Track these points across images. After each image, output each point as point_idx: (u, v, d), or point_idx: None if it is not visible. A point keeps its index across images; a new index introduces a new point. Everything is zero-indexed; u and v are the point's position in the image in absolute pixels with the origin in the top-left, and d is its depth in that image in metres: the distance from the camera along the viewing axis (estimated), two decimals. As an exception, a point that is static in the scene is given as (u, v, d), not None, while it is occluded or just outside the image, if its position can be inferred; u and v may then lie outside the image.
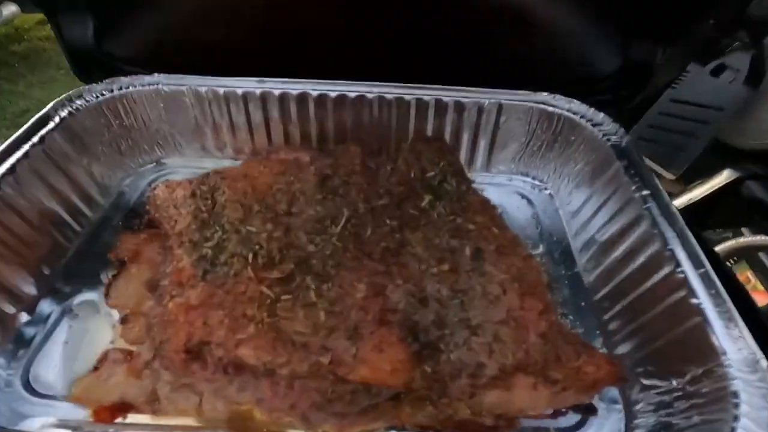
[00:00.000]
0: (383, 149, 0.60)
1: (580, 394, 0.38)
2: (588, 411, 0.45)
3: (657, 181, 0.51)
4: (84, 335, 0.50)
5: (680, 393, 0.39)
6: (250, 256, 0.38)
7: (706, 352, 0.38)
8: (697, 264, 0.42)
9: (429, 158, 0.50)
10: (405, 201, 0.45)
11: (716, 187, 0.76)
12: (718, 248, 0.98)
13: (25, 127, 0.56)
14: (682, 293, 0.42)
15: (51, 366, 0.48)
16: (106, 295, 0.53)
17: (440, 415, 0.42)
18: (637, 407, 0.44)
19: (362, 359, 0.35)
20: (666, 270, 0.44)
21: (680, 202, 0.88)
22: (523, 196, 0.68)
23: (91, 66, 0.75)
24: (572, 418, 0.44)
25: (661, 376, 0.42)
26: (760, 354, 0.36)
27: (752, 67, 1.31)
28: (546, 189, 0.68)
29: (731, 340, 0.37)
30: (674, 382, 0.40)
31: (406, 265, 0.40)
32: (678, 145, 1.56)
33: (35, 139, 0.54)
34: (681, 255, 0.43)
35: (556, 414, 0.44)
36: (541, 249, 0.61)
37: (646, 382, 0.44)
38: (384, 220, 0.43)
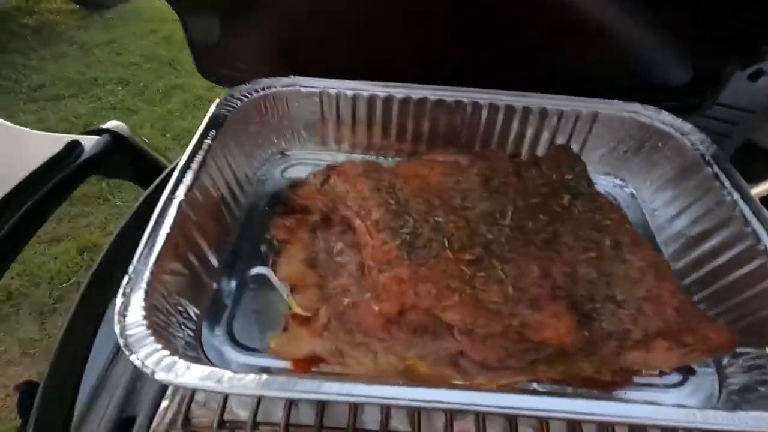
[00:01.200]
0: (520, 153, 0.70)
1: (706, 354, 0.49)
2: (688, 372, 0.57)
3: (747, 186, 0.62)
4: (265, 304, 0.61)
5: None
6: (445, 241, 0.49)
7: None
8: (786, 256, 0.54)
9: (565, 164, 0.60)
10: (550, 199, 0.55)
11: (770, 191, 0.87)
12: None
13: (203, 125, 0.65)
14: (773, 280, 0.53)
15: (245, 328, 0.58)
16: (274, 269, 0.64)
17: (568, 371, 0.54)
18: (729, 370, 0.55)
19: (544, 323, 0.46)
20: (759, 261, 0.55)
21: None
22: (607, 193, 0.79)
23: (214, 64, 0.83)
24: (675, 378, 0.56)
25: (751, 345, 0.54)
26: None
27: None
28: (627, 188, 0.79)
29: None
30: (764, 348, 0.52)
31: (561, 252, 0.51)
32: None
33: (212, 134, 0.63)
34: (773, 249, 0.55)
35: (662, 374, 0.56)
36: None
37: (738, 350, 0.55)
38: (537, 214, 0.54)
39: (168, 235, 0.51)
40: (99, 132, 0.79)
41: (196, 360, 0.45)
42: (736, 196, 0.61)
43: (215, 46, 0.82)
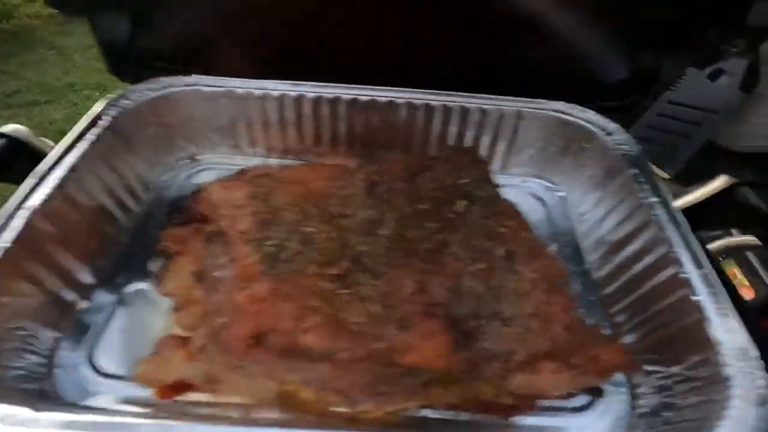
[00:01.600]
0: (419, 156, 0.65)
1: (596, 377, 0.44)
2: (596, 393, 0.52)
3: (666, 190, 0.57)
4: (139, 322, 0.56)
5: (680, 378, 0.46)
6: (312, 254, 0.44)
7: (703, 343, 0.44)
8: (699, 265, 0.49)
9: (463, 167, 0.55)
10: (443, 205, 0.50)
11: (712, 192, 0.83)
12: (710, 246, 1.05)
13: (79, 125, 0.60)
14: (685, 291, 0.48)
15: (112, 351, 0.53)
16: (158, 284, 0.58)
17: (466, 396, 0.48)
18: (640, 390, 0.50)
19: (412, 346, 0.40)
20: (671, 271, 0.50)
21: (678, 204, 0.95)
22: (537, 197, 0.74)
23: (125, 64, 0.78)
24: (582, 399, 0.51)
25: (662, 363, 0.49)
26: (750, 345, 0.43)
27: (748, 72, 1.39)
28: (559, 191, 0.74)
29: (726, 332, 0.44)
30: (675, 368, 0.47)
31: (446, 263, 0.46)
32: (674, 145, 1.65)
33: (90, 137, 0.58)
34: (685, 258, 0.50)
35: (569, 396, 0.51)
36: (553, 247, 0.67)
37: (649, 368, 0.50)
38: (425, 223, 0.48)
39: (9, 250, 0.45)
40: (-4, 136, 0.73)
41: (32, 393, 0.40)
42: (654, 199, 0.56)
43: (127, 45, 0.77)
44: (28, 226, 0.48)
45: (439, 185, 0.52)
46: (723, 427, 0.38)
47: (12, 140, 0.74)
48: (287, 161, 0.75)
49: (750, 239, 1.07)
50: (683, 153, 1.66)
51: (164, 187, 0.71)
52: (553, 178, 0.75)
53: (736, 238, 1.07)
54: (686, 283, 0.48)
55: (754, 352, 0.42)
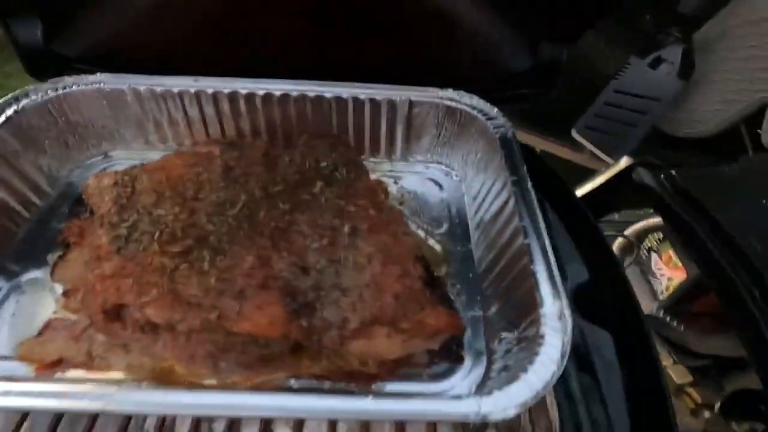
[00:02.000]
0: (288, 143, 0.68)
1: (426, 341, 0.47)
2: (457, 360, 0.55)
3: (524, 167, 0.60)
4: (30, 307, 0.59)
5: (516, 340, 0.49)
6: (157, 233, 0.47)
7: (533, 307, 0.47)
8: (538, 235, 0.52)
9: (322, 150, 0.58)
10: (299, 188, 0.54)
11: (613, 174, 0.85)
12: (628, 231, 1.08)
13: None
14: (526, 260, 0.51)
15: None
16: (52, 272, 0.62)
17: (332, 366, 0.51)
18: (495, 356, 0.53)
19: (244, 315, 0.43)
20: (520, 241, 0.53)
21: (587, 187, 0.97)
22: (436, 182, 0.77)
23: (42, 65, 0.81)
24: (443, 367, 0.54)
25: (509, 329, 0.52)
26: (567, 308, 0.45)
27: (684, 60, 1.42)
28: (456, 176, 0.77)
29: (550, 297, 0.47)
30: (515, 332, 0.50)
31: (293, 241, 0.49)
32: (620, 133, 1.68)
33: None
34: (529, 228, 0.53)
35: (430, 363, 0.54)
36: (444, 228, 0.70)
37: (502, 335, 0.53)
38: (278, 204, 0.52)
39: None
40: None
41: None
42: (515, 178, 0.59)
43: (43, 47, 0.80)
44: None
45: (297, 169, 0.56)
46: (529, 373, 0.41)
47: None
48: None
49: (658, 220, 1.10)
50: (630, 140, 1.69)
51: (73, 182, 0.74)
52: (448, 162, 0.78)
53: (649, 220, 1.10)
54: (526, 251, 0.51)
55: (568, 313, 0.45)
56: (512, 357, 0.48)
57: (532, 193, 0.57)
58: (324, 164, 0.56)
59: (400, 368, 0.52)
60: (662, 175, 0.76)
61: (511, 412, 0.38)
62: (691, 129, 1.58)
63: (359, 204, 0.52)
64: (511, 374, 0.42)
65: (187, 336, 0.44)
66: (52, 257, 0.64)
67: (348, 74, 0.75)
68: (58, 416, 0.52)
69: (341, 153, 0.59)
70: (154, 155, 0.79)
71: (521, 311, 0.50)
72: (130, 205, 0.50)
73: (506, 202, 0.59)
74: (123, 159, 0.79)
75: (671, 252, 1.22)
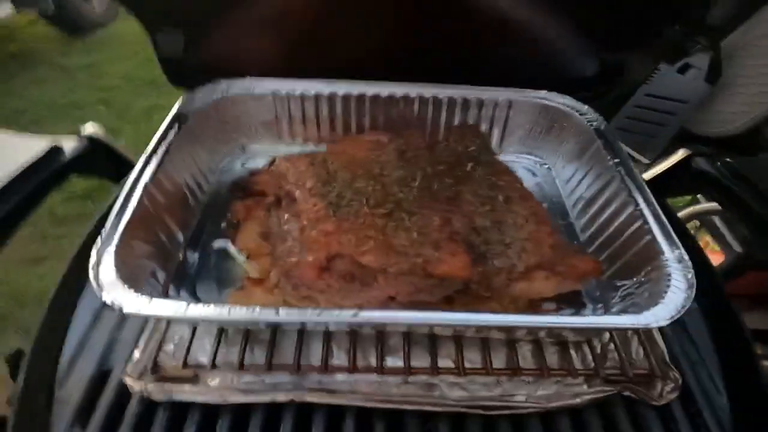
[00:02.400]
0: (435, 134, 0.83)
1: (575, 282, 0.61)
2: (581, 306, 0.69)
3: (625, 152, 0.75)
4: (224, 270, 0.72)
5: (637, 284, 0.63)
6: (364, 200, 0.60)
7: (653, 257, 0.62)
8: (650, 205, 0.66)
9: (469, 138, 0.73)
10: (456, 166, 0.68)
11: (673, 163, 1.00)
12: (680, 214, 1.24)
13: (166, 121, 0.77)
14: (639, 223, 0.65)
15: (207, 289, 0.69)
16: (233, 242, 0.75)
17: (494, 305, 0.65)
18: (612, 301, 0.67)
19: (442, 260, 0.57)
20: (629, 209, 0.68)
21: (646, 175, 1.13)
22: (528, 170, 0.91)
23: (181, 73, 0.95)
24: (569, 311, 0.68)
25: (626, 278, 0.66)
26: (685, 254, 0.60)
27: (711, 66, 1.62)
28: (546, 164, 0.92)
29: (669, 247, 0.61)
30: (635, 278, 0.64)
31: (461, 206, 0.63)
32: (651, 134, 1.88)
33: (172, 132, 0.75)
34: (639, 199, 0.67)
35: (558, 309, 0.68)
36: (544, 206, 0.84)
37: (617, 283, 0.67)
38: (444, 178, 0.66)
39: (134, 210, 0.62)
40: (77, 136, 0.90)
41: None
42: (616, 160, 0.74)
43: (181, 58, 0.94)
44: (146, 193, 0.64)
45: (451, 152, 0.70)
46: (662, 304, 0.55)
47: (92, 141, 0.90)
48: (320, 149, 0.92)
49: (712, 205, 1.26)
50: (660, 140, 1.89)
51: (225, 170, 0.88)
52: (539, 154, 0.92)
53: (702, 205, 1.26)
54: (640, 216, 0.66)
55: (687, 257, 0.59)
56: (636, 297, 0.62)
57: (636, 171, 0.71)
58: (471, 149, 0.71)
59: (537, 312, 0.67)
60: (718, 163, 0.91)
61: (665, 322, 0.52)
62: (717, 128, 1.77)
63: (505, 179, 0.66)
64: (650, 300, 0.56)
65: (394, 277, 0.58)
66: (226, 230, 0.78)
67: (431, 76, 0.89)
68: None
69: (483, 140, 0.74)
70: (283, 148, 0.93)
71: (638, 264, 0.64)
72: (333, 180, 0.64)
73: (609, 182, 0.73)
74: (258, 151, 0.93)
75: (708, 238, 1.38)
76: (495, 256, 0.60)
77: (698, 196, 1.34)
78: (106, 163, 0.91)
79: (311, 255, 0.59)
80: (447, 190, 0.64)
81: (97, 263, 0.55)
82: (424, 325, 0.56)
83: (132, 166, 0.91)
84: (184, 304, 0.52)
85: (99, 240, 0.57)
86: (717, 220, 1.31)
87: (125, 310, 0.51)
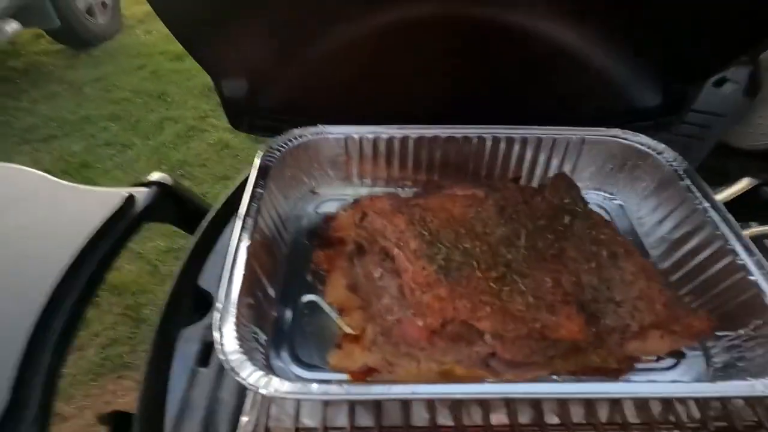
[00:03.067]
0: (520, 177, 0.83)
1: (690, 339, 0.61)
2: (680, 356, 0.69)
3: (713, 194, 0.75)
4: (318, 326, 0.72)
5: (746, 337, 0.64)
6: (474, 263, 0.61)
7: (762, 310, 0.62)
8: (751, 253, 0.67)
9: (564, 189, 0.73)
10: (554, 221, 0.68)
11: (739, 192, 1.01)
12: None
13: (253, 175, 0.77)
14: (741, 274, 0.66)
15: (305, 349, 0.69)
16: (322, 297, 0.75)
17: (581, 363, 0.66)
18: (713, 351, 0.68)
19: (560, 324, 0.58)
20: (729, 259, 0.68)
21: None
22: (598, 206, 0.92)
23: (243, 116, 0.95)
24: (669, 362, 0.69)
25: (729, 329, 0.67)
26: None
27: (751, 79, 1.62)
28: (616, 200, 0.93)
29: (777, 301, 0.62)
30: (741, 331, 0.65)
31: (567, 264, 0.64)
32: (688, 147, 1.88)
33: (261, 183, 0.75)
34: (739, 248, 0.68)
35: (659, 359, 0.69)
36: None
37: (719, 333, 0.68)
38: (545, 234, 0.66)
39: (243, 275, 0.62)
40: (146, 184, 0.90)
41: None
42: (707, 204, 0.74)
43: (244, 101, 0.94)
44: (249, 255, 0.64)
45: (548, 205, 0.70)
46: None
47: (162, 187, 0.90)
48: (388, 189, 0.93)
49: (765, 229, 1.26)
50: (697, 153, 1.89)
51: (298, 217, 0.88)
52: (610, 190, 0.93)
53: (758, 228, 1.27)
54: (742, 267, 0.66)
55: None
56: (746, 351, 0.63)
57: (731, 217, 0.72)
58: (567, 201, 0.71)
59: (635, 364, 0.67)
60: (787, 191, 0.92)
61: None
62: (755, 142, 1.78)
63: (606, 233, 0.67)
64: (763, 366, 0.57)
65: (512, 341, 0.58)
66: (312, 282, 0.78)
67: (488, 116, 0.90)
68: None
69: (577, 191, 0.74)
70: (351, 190, 0.93)
71: (741, 316, 0.65)
72: (436, 240, 0.64)
73: (700, 226, 0.74)
74: (328, 195, 0.93)
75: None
76: (606, 315, 0.60)
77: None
78: (176, 209, 0.91)
79: (425, 319, 0.60)
80: (551, 248, 0.64)
81: (220, 338, 0.55)
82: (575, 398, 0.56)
83: (201, 212, 0.91)
84: (310, 385, 0.52)
85: (217, 314, 0.58)
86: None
87: (263, 392, 0.51)
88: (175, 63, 3.99)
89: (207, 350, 0.73)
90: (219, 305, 0.58)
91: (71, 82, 4.06)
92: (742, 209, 1.02)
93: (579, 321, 0.58)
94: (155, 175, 0.92)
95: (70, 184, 0.92)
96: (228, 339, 0.55)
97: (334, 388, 0.52)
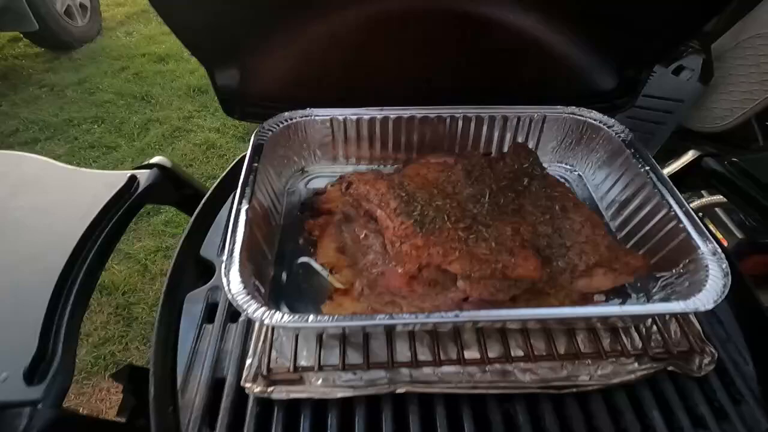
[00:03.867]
0: (490, 152, 0.94)
1: (629, 276, 0.73)
2: (625, 296, 0.81)
3: (651, 158, 0.88)
4: (311, 284, 0.82)
5: (677, 275, 0.76)
6: (445, 217, 0.72)
7: (690, 251, 0.74)
8: (681, 205, 0.79)
9: (523, 156, 0.84)
10: (514, 182, 0.79)
11: (684, 163, 1.14)
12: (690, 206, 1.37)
13: (249, 152, 0.86)
14: (674, 222, 0.78)
15: (301, 302, 0.79)
16: (314, 258, 0.85)
17: (541, 305, 0.77)
18: (653, 291, 0.80)
19: (518, 265, 0.69)
20: (664, 212, 0.80)
21: (662, 174, 1.26)
22: (561, 177, 1.04)
23: (235, 104, 1.04)
24: (617, 302, 0.80)
25: (666, 270, 0.79)
26: (718, 248, 0.72)
27: (704, 67, 1.78)
28: (575, 171, 1.05)
29: (704, 243, 0.74)
30: (674, 270, 0.77)
31: (525, 217, 0.75)
32: (650, 131, 2.05)
33: (256, 158, 0.85)
34: (672, 202, 0.80)
35: (608, 299, 0.80)
36: (580, 211, 0.96)
37: (657, 275, 0.80)
38: (507, 193, 0.77)
39: (244, 233, 0.72)
40: (147, 166, 0.99)
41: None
42: (647, 167, 0.86)
43: (237, 89, 1.03)
44: (247, 219, 0.74)
45: (509, 169, 0.82)
46: (705, 290, 0.67)
47: (161, 168, 0.99)
48: (372, 167, 1.03)
49: (718, 198, 1.41)
50: (659, 136, 2.06)
51: (290, 192, 0.98)
52: (570, 162, 1.05)
53: (708, 198, 1.41)
54: (675, 218, 0.78)
55: (721, 251, 0.72)
56: (677, 286, 0.75)
57: (666, 176, 0.84)
58: (526, 165, 0.82)
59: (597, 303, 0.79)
60: (726, 162, 1.05)
61: (711, 305, 0.64)
62: (711, 125, 1.94)
63: (558, 191, 0.78)
64: (692, 288, 0.69)
65: (477, 281, 0.69)
66: (304, 247, 0.88)
67: (462, 97, 1.01)
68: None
69: (534, 158, 0.86)
70: (338, 168, 1.04)
71: (675, 258, 0.77)
72: (413, 200, 0.75)
73: (642, 187, 0.86)
74: (316, 172, 1.03)
75: (712, 227, 1.52)
76: (559, 257, 0.72)
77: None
78: (176, 190, 1.00)
79: (403, 266, 0.70)
80: (511, 204, 0.76)
81: (228, 284, 0.65)
82: (521, 320, 0.67)
83: (200, 194, 1.00)
84: (308, 316, 0.62)
85: (223, 265, 0.67)
86: (720, 211, 1.46)
87: (276, 326, 0.61)
88: (158, 65, 4.04)
89: (212, 309, 0.83)
90: (224, 257, 0.68)
91: (52, 85, 4.07)
92: (690, 180, 1.15)
93: (534, 262, 0.69)
94: (155, 158, 1.00)
95: (76, 168, 1.00)
96: (234, 283, 0.65)
97: (327, 319, 0.62)
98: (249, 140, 0.92)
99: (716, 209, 1.38)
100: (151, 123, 3.56)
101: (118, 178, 0.95)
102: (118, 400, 2.08)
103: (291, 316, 0.62)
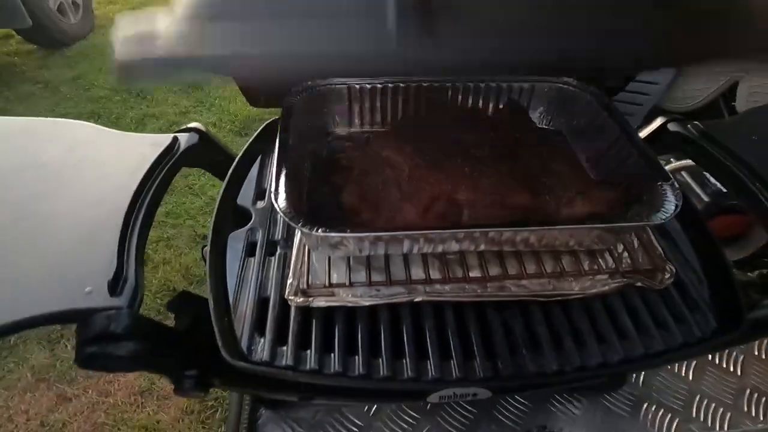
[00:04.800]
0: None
1: (604, 205, 0.91)
2: (602, 229, 0.99)
3: (623, 117, 1.06)
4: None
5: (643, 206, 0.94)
6: (453, 159, 0.90)
7: (651, 187, 0.93)
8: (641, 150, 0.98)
9: (516, 112, 1.03)
10: (511, 132, 0.98)
11: (653, 128, 1.33)
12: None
13: (282, 113, 1.03)
14: (634, 160, 0.97)
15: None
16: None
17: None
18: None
19: (514, 193, 0.87)
20: (633, 158, 0.99)
21: (635, 141, 1.45)
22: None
23: (258, 96, 1.20)
24: (595, 234, 0.99)
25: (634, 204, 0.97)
26: (675, 183, 0.91)
27: None
28: (562, 133, 1.23)
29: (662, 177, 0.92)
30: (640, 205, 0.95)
31: (519, 163, 0.93)
32: (630, 112, 2.29)
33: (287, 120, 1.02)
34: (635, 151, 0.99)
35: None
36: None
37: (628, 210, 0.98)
38: (503, 141, 0.96)
39: (285, 166, 0.88)
40: (186, 130, 1.14)
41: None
42: (620, 127, 1.05)
43: (257, 82, 1.18)
44: (287, 167, 0.91)
45: (504, 121, 1.00)
46: (662, 211, 0.85)
47: (198, 132, 1.15)
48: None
49: (683, 163, 1.62)
50: (638, 116, 2.29)
51: (313, 153, 1.15)
52: (557, 126, 1.24)
53: (676, 163, 1.62)
54: (642, 162, 0.97)
55: (676, 185, 0.91)
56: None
57: (635, 130, 1.03)
58: (519, 118, 1.01)
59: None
60: (689, 125, 1.24)
61: (662, 221, 0.82)
62: (683, 104, 2.18)
63: (549, 141, 0.97)
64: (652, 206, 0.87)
65: (481, 210, 0.87)
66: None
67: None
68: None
69: (526, 114, 1.04)
70: (355, 131, 1.21)
71: (638, 193, 0.95)
72: (424, 147, 0.92)
73: (616, 140, 1.05)
74: (337, 134, 1.20)
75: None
76: (546, 192, 0.90)
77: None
78: (210, 154, 1.16)
79: (419, 199, 0.88)
80: (508, 149, 0.94)
81: (277, 202, 0.81)
82: (512, 232, 0.84)
83: (228, 157, 1.17)
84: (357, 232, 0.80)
85: (270, 193, 0.84)
86: (686, 175, 1.66)
87: (315, 234, 0.77)
88: (153, 60, 4.16)
89: (252, 246, 0.99)
90: (271, 186, 0.84)
91: (46, 82, 4.16)
92: (659, 145, 1.35)
93: (526, 193, 0.87)
94: (193, 123, 1.16)
95: (123, 132, 1.16)
96: (281, 203, 0.81)
97: (362, 231, 0.79)
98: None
99: (683, 173, 1.59)
100: (147, 118, 3.69)
101: (163, 139, 1.10)
102: (125, 382, 2.22)
103: (330, 231, 0.79)
